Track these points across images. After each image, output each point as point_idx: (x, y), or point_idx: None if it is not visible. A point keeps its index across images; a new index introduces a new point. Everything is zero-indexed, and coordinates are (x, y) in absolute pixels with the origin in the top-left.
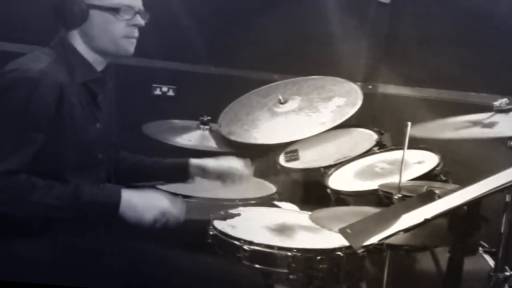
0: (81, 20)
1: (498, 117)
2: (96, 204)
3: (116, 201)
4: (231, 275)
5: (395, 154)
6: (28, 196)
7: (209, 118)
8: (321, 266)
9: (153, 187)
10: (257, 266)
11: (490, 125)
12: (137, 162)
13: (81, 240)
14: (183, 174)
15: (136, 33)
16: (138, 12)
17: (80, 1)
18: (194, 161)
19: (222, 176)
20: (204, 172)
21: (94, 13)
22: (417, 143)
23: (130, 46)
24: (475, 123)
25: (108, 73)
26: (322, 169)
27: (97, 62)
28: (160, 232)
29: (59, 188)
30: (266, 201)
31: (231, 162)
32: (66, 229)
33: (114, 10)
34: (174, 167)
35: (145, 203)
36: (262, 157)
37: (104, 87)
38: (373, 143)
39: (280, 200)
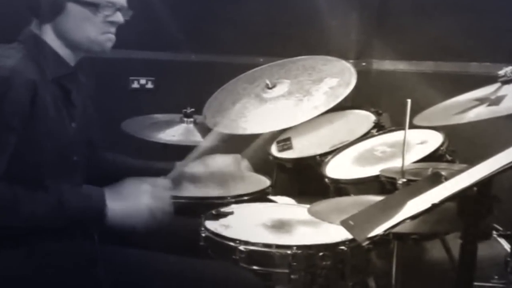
0: (56, 13)
1: (505, 89)
2: (81, 211)
3: (101, 210)
4: (227, 279)
5: (396, 136)
6: (14, 207)
7: (192, 110)
8: (324, 263)
9: None
10: (255, 267)
11: (498, 100)
12: (120, 165)
13: (61, 248)
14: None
15: (114, 30)
16: (119, 9)
17: None
18: (180, 168)
19: (212, 179)
20: (194, 180)
21: (71, 7)
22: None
23: (107, 43)
24: (482, 101)
25: (82, 68)
26: (318, 157)
27: (70, 58)
28: (149, 237)
29: (43, 197)
30: (260, 196)
31: (219, 161)
32: (44, 237)
33: (93, 6)
34: (160, 172)
35: (132, 208)
36: (252, 148)
37: (78, 83)
38: (371, 125)
39: (275, 194)
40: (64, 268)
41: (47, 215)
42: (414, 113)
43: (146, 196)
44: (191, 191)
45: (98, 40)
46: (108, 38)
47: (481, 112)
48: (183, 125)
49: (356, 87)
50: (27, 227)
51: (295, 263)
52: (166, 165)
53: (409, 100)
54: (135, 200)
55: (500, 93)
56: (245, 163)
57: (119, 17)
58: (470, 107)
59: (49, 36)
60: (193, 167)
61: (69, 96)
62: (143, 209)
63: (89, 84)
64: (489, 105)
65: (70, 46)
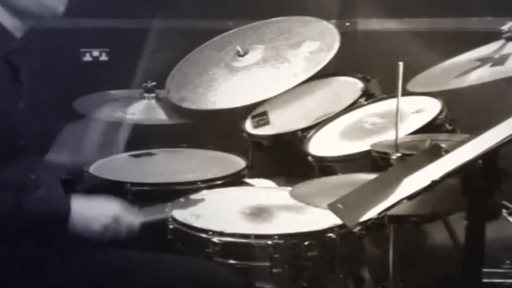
0: None
1: (509, 47)
2: (42, 215)
3: (65, 210)
4: (201, 276)
5: (387, 104)
6: None
7: (154, 83)
8: (310, 253)
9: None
10: (232, 262)
11: (502, 60)
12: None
13: (18, 252)
14: None
15: None
16: None
17: None
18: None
19: None
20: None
21: None
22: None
23: (59, 5)
24: (484, 61)
25: (30, 41)
26: (299, 132)
27: (17, 28)
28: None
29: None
30: (235, 180)
31: None
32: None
33: None
34: None
35: (95, 210)
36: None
37: (27, 59)
38: (359, 93)
39: (252, 176)
40: (13, 271)
41: (4, 217)
42: (407, 78)
43: (117, 204)
44: (155, 177)
45: (49, 3)
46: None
47: (484, 74)
48: (144, 102)
49: (339, 51)
50: None
51: (277, 255)
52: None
53: (401, 63)
54: (101, 205)
55: (504, 52)
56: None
57: None
58: (471, 68)
59: None
60: None
61: (17, 74)
62: (106, 214)
63: (36, 58)
64: (492, 65)
65: (16, 13)
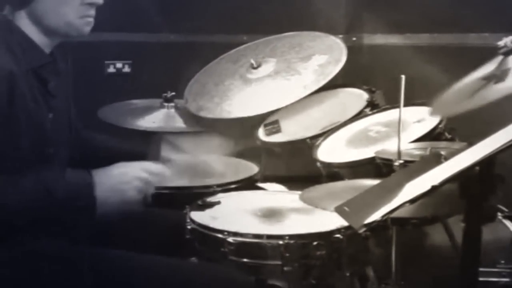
0: None
1: (509, 62)
2: (73, 198)
3: (88, 185)
4: (216, 274)
5: (391, 114)
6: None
7: (173, 94)
8: (318, 253)
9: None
10: (245, 260)
11: (503, 76)
12: (100, 144)
13: (41, 249)
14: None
15: (92, 12)
16: None
17: None
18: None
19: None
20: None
21: None
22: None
23: (85, 27)
24: (488, 79)
25: (60, 56)
26: (308, 140)
27: (46, 44)
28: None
29: (29, 186)
30: (249, 184)
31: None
32: (24, 237)
33: None
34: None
35: (121, 177)
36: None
37: (56, 72)
38: (364, 103)
39: (264, 181)
40: (45, 270)
41: (36, 204)
42: (409, 89)
43: (134, 163)
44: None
45: (76, 24)
46: (86, 22)
47: (489, 93)
48: (164, 111)
49: (346, 64)
50: (15, 219)
51: (287, 254)
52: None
53: (403, 76)
54: (124, 168)
55: (504, 67)
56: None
57: None
58: (479, 88)
59: (24, 23)
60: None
61: (46, 86)
62: (132, 177)
63: (68, 71)
64: (496, 82)
65: (46, 32)
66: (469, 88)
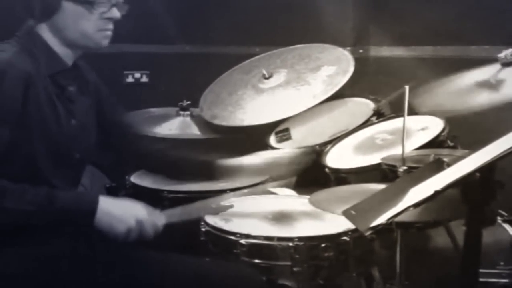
0: (52, 13)
1: (505, 73)
2: (71, 210)
3: (92, 208)
4: (229, 274)
5: (396, 123)
6: (1, 202)
7: (188, 102)
8: (326, 254)
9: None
10: (257, 261)
11: (498, 85)
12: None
13: (54, 249)
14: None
15: (111, 26)
16: (115, 4)
17: None
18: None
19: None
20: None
21: (66, 5)
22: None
23: (104, 40)
24: (482, 85)
25: (85, 67)
26: (317, 147)
27: (67, 55)
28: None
29: (32, 192)
30: (260, 189)
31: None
32: (37, 238)
33: (89, 3)
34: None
35: (122, 211)
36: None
37: (79, 81)
38: (370, 112)
39: (275, 185)
40: (59, 268)
41: (35, 211)
42: (413, 99)
43: (142, 208)
44: (189, 185)
45: (95, 37)
46: (105, 35)
47: (483, 101)
48: (180, 119)
49: (354, 75)
50: (15, 223)
51: (297, 256)
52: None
53: (407, 87)
54: (127, 207)
55: (500, 77)
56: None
57: (115, 13)
58: (471, 94)
59: (46, 34)
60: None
61: (65, 92)
62: (133, 215)
63: (96, 81)
64: (490, 91)
65: (67, 44)
66: (462, 91)
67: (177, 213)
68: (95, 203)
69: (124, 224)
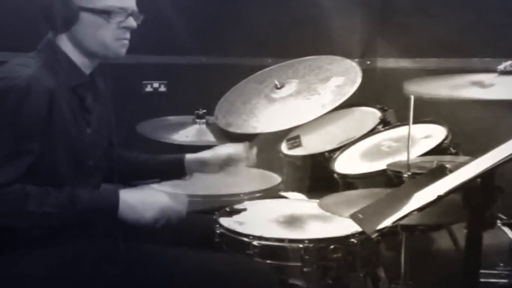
0: (71, 24)
1: (500, 79)
2: (94, 209)
3: (114, 203)
4: (243, 273)
5: (401, 131)
6: (24, 206)
7: (204, 111)
8: (335, 255)
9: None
10: (269, 261)
11: (489, 86)
12: (131, 159)
13: (75, 248)
14: (179, 170)
15: (127, 35)
16: (130, 14)
17: (70, 3)
18: (190, 156)
19: (222, 165)
20: (203, 165)
21: (84, 16)
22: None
23: (121, 49)
24: (475, 83)
25: (100, 76)
26: (326, 153)
27: (86, 66)
28: (166, 233)
29: (54, 195)
30: (272, 193)
31: (229, 148)
32: (61, 238)
33: (106, 13)
34: (170, 163)
35: (144, 201)
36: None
37: (95, 90)
38: (377, 121)
39: (286, 190)
40: (83, 268)
41: (58, 214)
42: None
43: (164, 195)
44: (205, 190)
45: (113, 46)
46: (122, 44)
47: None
48: (196, 126)
49: (361, 85)
50: (39, 225)
51: (307, 257)
52: (175, 156)
53: (412, 97)
54: (150, 196)
55: (494, 81)
56: (254, 151)
57: (131, 22)
58: (464, 85)
59: (66, 45)
60: (204, 154)
61: (84, 103)
62: (157, 203)
63: (108, 89)
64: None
65: (86, 54)
66: (455, 83)
67: (200, 201)
68: (116, 197)
69: (149, 213)
